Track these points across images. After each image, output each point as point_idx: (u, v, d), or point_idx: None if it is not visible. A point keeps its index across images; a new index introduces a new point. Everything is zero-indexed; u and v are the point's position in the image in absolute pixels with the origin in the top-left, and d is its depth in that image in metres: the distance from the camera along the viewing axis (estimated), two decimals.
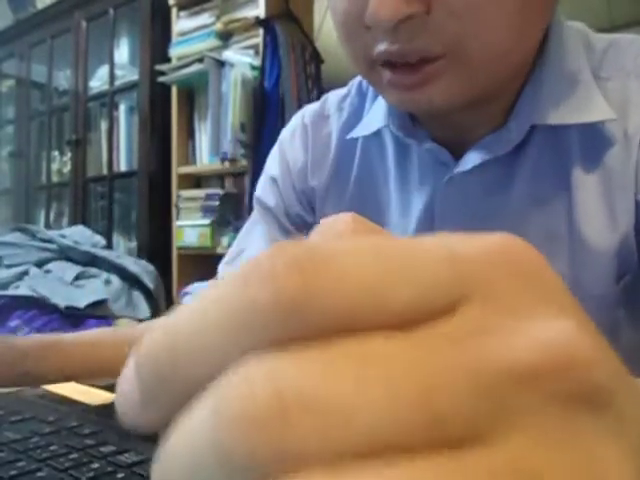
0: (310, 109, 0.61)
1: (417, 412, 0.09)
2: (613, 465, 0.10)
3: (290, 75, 1.86)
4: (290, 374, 0.09)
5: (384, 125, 0.50)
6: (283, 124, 0.64)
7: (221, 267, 0.62)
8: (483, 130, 0.46)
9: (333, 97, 0.60)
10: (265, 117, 1.84)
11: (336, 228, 0.14)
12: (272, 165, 0.61)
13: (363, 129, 0.53)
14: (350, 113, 0.57)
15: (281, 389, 0.09)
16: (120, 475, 0.29)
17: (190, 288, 0.61)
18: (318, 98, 0.63)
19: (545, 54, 0.44)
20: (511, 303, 0.11)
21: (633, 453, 0.11)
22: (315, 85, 2.00)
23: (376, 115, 0.51)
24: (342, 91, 0.60)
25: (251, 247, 0.60)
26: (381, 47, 0.39)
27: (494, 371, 0.10)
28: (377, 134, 0.52)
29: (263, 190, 0.61)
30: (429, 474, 0.09)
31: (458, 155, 0.47)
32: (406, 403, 0.09)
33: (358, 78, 0.59)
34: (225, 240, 1.97)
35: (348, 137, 0.54)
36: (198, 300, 0.11)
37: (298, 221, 0.60)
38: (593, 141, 0.44)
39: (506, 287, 0.11)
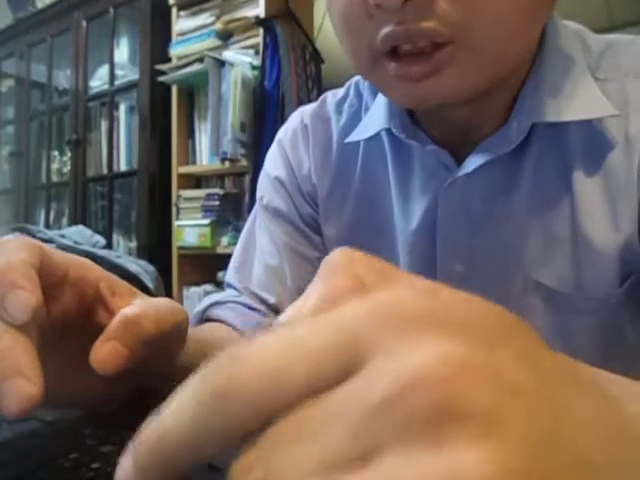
0: (308, 109, 0.60)
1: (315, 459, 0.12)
2: (477, 467, 0.10)
3: (290, 75, 1.86)
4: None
5: (385, 127, 0.49)
6: (283, 124, 0.63)
7: (231, 276, 0.60)
8: (485, 130, 0.46)
9: (331, 98, 0.60)
10: (265, 117, 1.84)
11: (330, 262, 0.17)
12: (274, 166, 0.60)
13: (361, 133, 0.52)
14: (349, 115, 0.57)
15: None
16: None
17: (208, 299, 0.60)
18: (318, 98, 0.62)
19: (543, 51, 0.44)
20: (388, 349, 0.12)
21: (517, 450, 0.11)
22: (315, 85, 2.01)
23: (375, 117, 0.51)
24: (340, 92, 0.60)
25: (262, 254, 0.59)
26: (387, 30, 0.37)
27: (358, 409, 0.12)
28: (377, 137, 0.52)
29: (268, 193, 0.60)
30: None
31: (459, 157, 0.47)
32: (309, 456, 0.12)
33: (356, 78, 0.59)
34: (225, 240, 1.97)
35: (346, 141, 0.53)
36: (174, 400, 0.14)
37: (310, 221, 0.59)
38: (594, 142, 0.44)
39: (385, 337, 0.13)
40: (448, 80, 0.39)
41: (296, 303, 0.17)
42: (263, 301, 0.57)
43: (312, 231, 0.59)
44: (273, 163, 0.61)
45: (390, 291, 0.14)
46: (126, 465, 0.15)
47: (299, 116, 0.61)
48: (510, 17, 0.37)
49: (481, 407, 0.11)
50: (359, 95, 0.57)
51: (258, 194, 0.62)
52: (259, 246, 0.60)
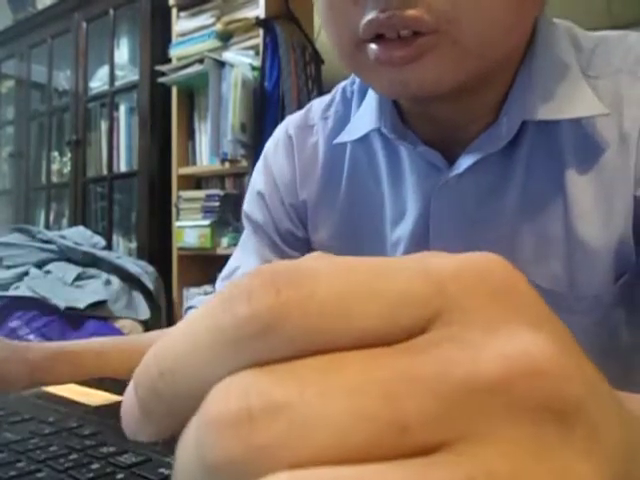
0: (293, 120, 0.60)
1: (381, 421, 0.10)
2: (582, 478, 0.10)
3: (290, 75, 1.86)
4: (261, 384, 0.10)
5: (375, 128, 0.49)
6: None
7: (218, 283, 0.61)
8: (474, 128, 0.45)
9: (317, 105, 0.59)
10: (265, 117, 1.84)
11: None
12: (258, 179, 0.60)
13: (351, 133, 0.51)
14: (336, 120, 0.56)
15: (250, 397, 0.10)
16: (120, 476, 0.29)
17: (194, 301, 0.61)
18: (318, 98, 0.62)
19: (534, 49, 0.44)
20: (482, 319, 0.11)
21: (605, 467, 0.10)
22: (315, 85, 2.00)
23: (364, 118, 0.50)
24: (326, 98, 0.59)
25: (245, 264, 0.59)
26: (370, 16, 0.37)
27: (456, 382, 0.10)
28: (365, 139, 0.51)
29: (250, 206, 0.60)
30: (395, 478, 0.09)
31: (451, 158, 0.46)
32: (369, 412, 0.10)
33: (342, 84, 0.58)
34: (225, 241, 1.97)
35: (335, 142, 0.53)
36: (186, 322, 0.12)
37: (289, 237, 0.58)
38: (586, 141, 0.44)
39: (478, 304, 0.11)
40: (429, 67, 0.38)
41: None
42: None
43: (288, 247, 0.58)
44: (256, 177, 0.61)
45: (476, 255, 0.12)
46: (130, 408, 0.12)
47: (284, 127, 0.60)
48: (499, 11, 0.37)
49: (588, 415, 0.11)
50: (345, 100, 0.56)
51: (243, 207, 0.62)
52: (244, 259, 0.60)
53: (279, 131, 0.60)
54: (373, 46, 0.38)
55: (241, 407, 0.10)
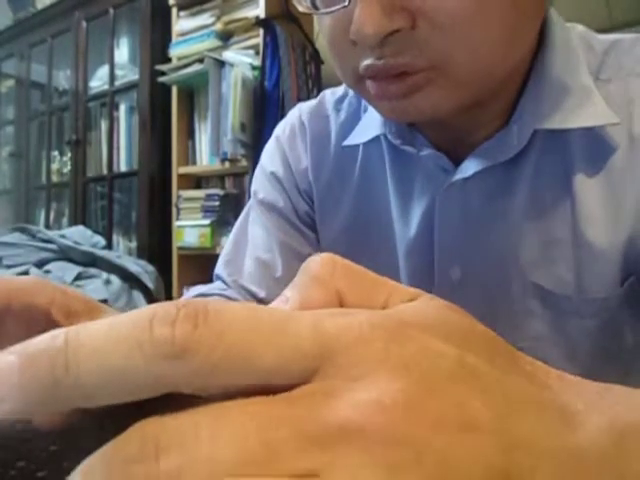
0: (306, 107, 0.60)
1: (258, 458, 0.12)
2: None
3: (290, 75, 1.86)
4: (161, 426, 0.12)
5: (380, 133, 0.49)
6: None
7: (220, 269, 0.60)
8: (484, 132, 0.45)
9: (330, 96, 0.59)
10: (265, 117, 1.84)
11: (309, 271, 0.17)
12: (271, 162, 0.60)
13: (359, 136, 0.52)
14: (348, 114, 0.56)
15: (148, 437, 0.12)
16: None
17: (192, 291, 0.60)
18: None
19: (545, 55, 0.44)
20: (350, 374, 0.13)
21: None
22: (315, 85, 2.00)
23: (372, 122, 0.51)
24: (339, 90, 0.59)
25: (254, 248, 0.58)
26: (367, 62, 0.39)
27: (319, 423, 0.13)
28: (376, 139, 0.52)
29: (264, 188, 0.59)
30: None
31: (458, 160, 0.46)
32: (250, 452, 0.12)
33: None
34: (225, 240, 1.96)
35: (344, 145, 0.53)
36: (109, 324, 0.13)
37: (306, 218, 0.58)
38: (595, 145, 0.44)
39: (351, 362, 0.14)
40: (426, 99, 0.39)
41: (274, 303, 0.17)
42: (253, 295, 0.57)
43: (307, 227, 0.58)
44: (270, 159, 0.60)
45: (367, 318, 0.15)
46: (9, 372, 0.13)
47: (297, 112, 0.60)
48: (491, 45, 0.37)
49: (434, 448, 0.13)
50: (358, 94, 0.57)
51: (253, 188, 0.61)
52: (252, 240, 0.59)
53: (292, 116, 0.61)
54: (370, 83, 0.40)
55: (139, 445, 0.12)
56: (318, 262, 0.17)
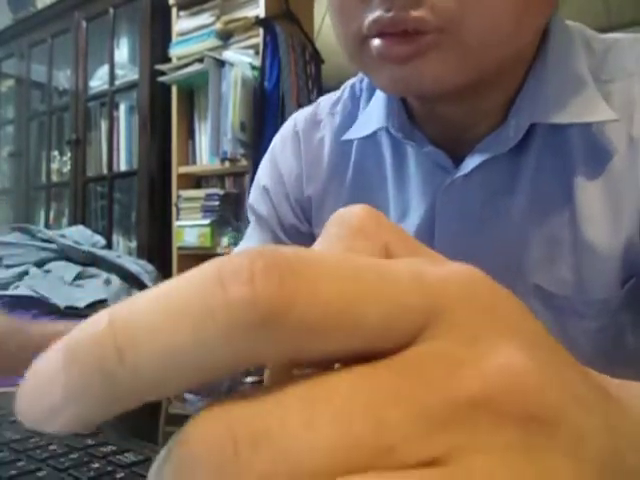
0: (301, 116, 0.60)
1: (367, 446, 0.10)
2: (568, 478, 0.11)
3: (290, 75, 1.86)
4: (244, 416, 0.10)
5: (382, 126, 0.49)
6: (283, 124, 0.63)
7: None
8: (482, 129, 0.45)
9: (325, 101, 0.59)
10: (265, 117, 1.84)
11: (349, 222, 0.14)
12: (264, 174, 0.60)
13: (358, 130, 0.52)
14: (343, 117, 0.56)
15: (234, 430, 0.09)
16: (120, 475, 0.29)
17: None
18: (318, 98, 0.62)
19: (546, 51, 0.44)
20: (465, 334, 0.11)
21: (590, 467, 0.11)
22: (315, 85, 2.00)
23: (373, 116, 0.50)
24: (334, 95, 0.59)
25: None
26: (375, 15, 0.37)
27: (439, 399, 0.10)
28: (373, 137, 0.51)
29: (255, 199, 0.60)
30: None
31: (457, 158, 0.46)
32: (355, 439, 0.10)
33: (350, 81, 0.58)
34: (225, 240, 1.97)
35: (343, 139, 0.53)
36: (158, 291, 0.10)
37: (292, 232, 0.58)
38: (595, 146, 0.43)
39: (464, 319, 0.11)
40: (430, 65, 0.38)
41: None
42: None
43: (292, 241, 0.58)
44: (262, 171, 0.61)
45: (466, 268, 0.12)
46: (44, 387, 0.10)
47: (291, 122, 0.60)
48: (503, 13, 0.37)
49: (570, 421, 0.11)
50: (354, 97, 0.56)
51: (248, 202, 0.62)
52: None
53: (286, 127, 0.61)
54: (376, 41, 0.39)
55: (224, 444, 0.09)
56: (358, 213, 0.15)
